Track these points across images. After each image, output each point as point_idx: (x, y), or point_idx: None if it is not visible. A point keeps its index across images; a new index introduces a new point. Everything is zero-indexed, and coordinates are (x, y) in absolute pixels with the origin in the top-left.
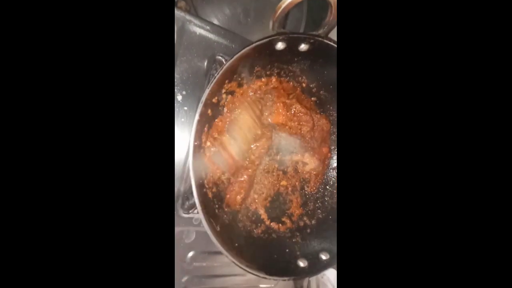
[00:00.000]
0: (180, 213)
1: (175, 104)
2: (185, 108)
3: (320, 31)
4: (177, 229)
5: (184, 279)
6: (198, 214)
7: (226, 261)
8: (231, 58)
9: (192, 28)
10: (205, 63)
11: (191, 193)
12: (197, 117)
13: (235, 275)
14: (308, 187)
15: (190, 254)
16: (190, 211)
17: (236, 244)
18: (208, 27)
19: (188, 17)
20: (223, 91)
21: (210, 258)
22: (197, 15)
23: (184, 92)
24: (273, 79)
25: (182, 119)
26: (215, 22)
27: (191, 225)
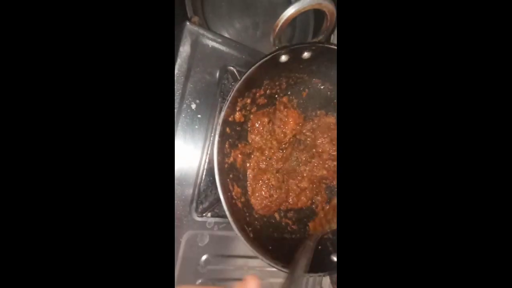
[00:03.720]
0: (194, 217)
1: (189, 113)
2: (199, 116)
3: (320, 37)
4: (191, 233)
5: (198, 282)
6: (211, 218)
7: (240, 264)
8: (238, 81)
9: (205, 41)
10: (217, 74)
11: (205, 196)
12: (217, 138)
13: None
14: (329, 182)
15: (204, 257)
16: (204, 214)
17: (270, 247)
18: (220, 40)
19: (201, 31)
20: (237, 108)
21: (223, 262)
22: (209, 29)
23: (197, 101)
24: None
25: (196, 126)
26: (226, 35)
27: (204, 228)
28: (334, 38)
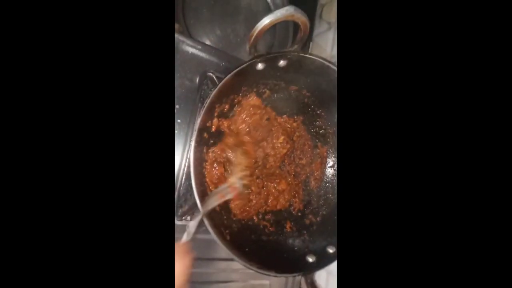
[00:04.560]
0: (174, 220)
1: None
2: (179, 120)
3: (295, 47)
4: None
5: None
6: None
7: (221, 267)
8: (215, 88)
9: (184, 47)
10: (197, 80)
11: (184, 200)
12: (193, 143)
13: (231, 281)
14: (309, 186)
15: None
16: (184, 218)
17: (247, 249)
18: (199, 47)
19: (181, 38)
20: (215, 115)
21: (205, 265)
22: (189, 36)
23: (177, 106)
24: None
25: (176, 131)
26: (207, 42)
27: (184, 232)
28: (314, 43)
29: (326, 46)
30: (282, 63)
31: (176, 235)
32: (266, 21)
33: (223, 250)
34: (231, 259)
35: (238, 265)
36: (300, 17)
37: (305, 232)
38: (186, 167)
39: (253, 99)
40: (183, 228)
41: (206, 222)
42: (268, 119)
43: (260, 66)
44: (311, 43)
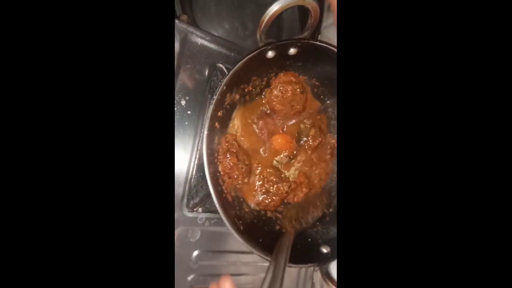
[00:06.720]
0: (185, 212)
1: (179, 109)
2: (188, 112)
3: (305, 34)
4: (182, 228)
5: (190, 277)
6: (203, 213)
7: (232, 260)
8: (226, 76)
9: (194, 38)
10: (206, 71)
11: (196, 192)
12: (206, 132)
13: (241, 274)
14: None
15: (195, 253)
16: (195, 210)
17: (260, 240)
18: (208, 38)
19: (190, 29)
20: (226, 103)
21: (215, 257)
22: (198, 28)
23: (187, 98)
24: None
25: (186, 123)
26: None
27: (195, 224)
28: (322, 36)
29: (334, 38)
30: (292, 51)
31: (187, 228)
32: (276, 7)
33: (234, 243)
34: (242, 252)
35: (248, 258)
36: (311, 2)
37: (318, 223)
38: (197, 159)
39: (285, 75)
40: (194, 220)
41: (220, 211)
42: (302, 92)
43: (270, 54)
44: (319, 35)
